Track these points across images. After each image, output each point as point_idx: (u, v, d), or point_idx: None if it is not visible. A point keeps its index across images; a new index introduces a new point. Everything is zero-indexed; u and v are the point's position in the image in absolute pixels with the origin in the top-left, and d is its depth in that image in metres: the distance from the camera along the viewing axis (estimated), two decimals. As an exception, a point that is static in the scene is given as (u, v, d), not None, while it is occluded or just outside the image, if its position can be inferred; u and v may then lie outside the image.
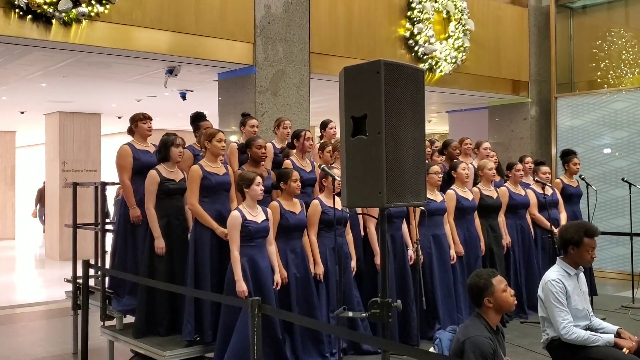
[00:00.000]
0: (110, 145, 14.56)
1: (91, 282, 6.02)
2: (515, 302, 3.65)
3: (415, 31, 8.92)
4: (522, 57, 10.74)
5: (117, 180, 5.62)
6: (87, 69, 8.45)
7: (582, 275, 4.30)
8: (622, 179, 8.26)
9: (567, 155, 7.65)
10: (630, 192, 8.10)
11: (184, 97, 10.15)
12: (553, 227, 6.67)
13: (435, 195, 6.17)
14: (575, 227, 4.22)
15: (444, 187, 6.40)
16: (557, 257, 4.27)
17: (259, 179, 4.98)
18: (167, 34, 6.90)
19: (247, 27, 7.40)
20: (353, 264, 5.61)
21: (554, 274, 4.15)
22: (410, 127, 3.07)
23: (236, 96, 7.71)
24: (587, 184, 7.59)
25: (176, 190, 5.23)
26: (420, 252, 5.75)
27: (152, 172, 5.16)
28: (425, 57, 9.08)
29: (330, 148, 6.01)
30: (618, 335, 4.09)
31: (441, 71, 9.31)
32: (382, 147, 2.91)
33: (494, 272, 3.68)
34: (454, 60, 9.40)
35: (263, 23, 7.50)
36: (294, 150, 6.05)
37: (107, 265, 5.94)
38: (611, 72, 10.25)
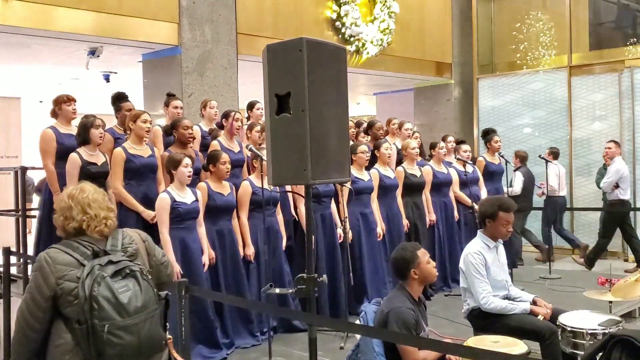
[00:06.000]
0: (31, 130, 14.00)
1: (13, 270, 5.84)
2: (437, 273, 3.81)
3: (342, 13, 8.98)
4: (445, 40, 10.98)
5: (39, 165, 5.46)
6: (4, 51, 8.10)
7: (501, 247, 4.49)
8: (539, 156, 8.63)
9: (488, 134, 7.93)
10: (546, 169, 8.47)
11: (107, 79, 9.89)
12: (474, 203, 6.92)
13: (362, 175, 6.30)
14: (491, 202, 4.41)
15: (367, 167, 6.54)
16: (478, 230, 4.45)
17: (186, 161, 4.95)
18: (88, 13, 6.69)
19: (172, 7, 7.27)
20: (284, 243, 5.67)
21: (475, 247, 4.33)
22: (333, 105, 3.12)
23: (161, 77, 7.58)
24: (507, 161, 7.90)
25: (98, 174, 5.12)
26: (349, 230, 5.89)
27: (73, 155, 5.03)
28: (352, 39, 9.16)
29: (258, 128, 6.02)
30: (534, 303, 4.31)
31: (367, 53, 9.42)
32: (306, 125, 2.95)
33: (417, 245, 3.82)
34: (379, 43, 9.52)
35: (188, 3, 7.38)
36: (222, 131, 6.02)
37: (33, 254, 5.78)
38: (530, 53, 10.63)
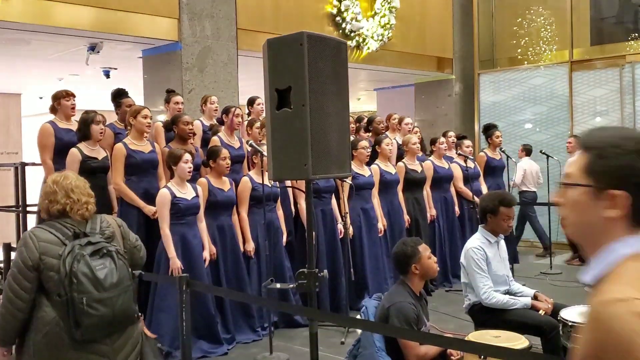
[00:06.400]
0: (32, 127, 14.00)
1: (14, 265, 5.84)
2: (438, 268, 3.81)
3: (342, 8, 8.96)
4: (446, 35, 10.96)
5: (39, 161, 5.45)
6: (4, 47, 8.08)
7: (502, 242, 4.49)
8: (540, 151, 8.62)
9: (489, 129, 7.92)
10: (547, 164, 8.46)
11: (107, 75, 9.87)
12: (476, 198, 6.91)
13: (363, 170, 6.30)
14: (492, 197, 4.40)
15: (368, 162, 6.53)
16: (479, 225, 4.45)
17: (187, 156, 4.94)
18: (88, 9, 6.67)
19: (172, 3, 7.24)
20: (284, 238, 5.67)
21: (476, 242, 4.32)
22: (334, 100, 3.11)
23: (162, 73, 7.56)
24: (508, 157, 7.89)
25: (98, 169, 5.12)
26: (350, 225, 5.89)
27: (73, 150, 5.03)
28: (352, 34, 9.14)
29: (258, 124, 6.02)
30: (535, 298, 4.30)
31: (368, 48, 9.40)
32: (306, 120, 2.94)
33: (418, 240, 3.82)
34: (380, 38, 9.50)
35: (188, -2, 7.37)
36: (223, 127, 6.02)
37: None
38: (530, 48, 10.60)
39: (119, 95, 5.95)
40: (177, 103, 6.07)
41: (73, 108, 5.42)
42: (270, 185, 5.37)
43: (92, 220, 2.87)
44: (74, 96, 5.45)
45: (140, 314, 3.01)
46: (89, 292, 2.63)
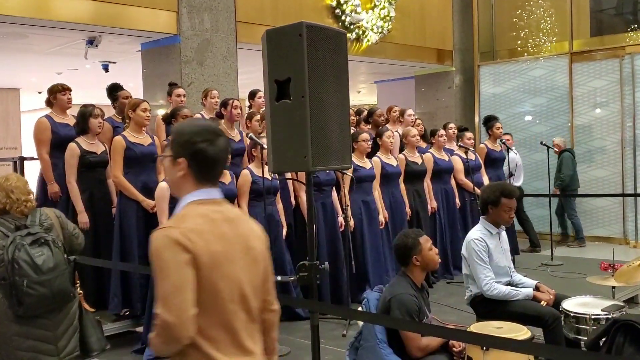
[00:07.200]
0: (31, 121, 13.97)
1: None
2: (439, 260, 3.80)
3: (342, 0, 8.92)
4: (446, 27, 10.91)
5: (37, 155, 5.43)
6: (1, 41, 8.05)
7: (503, 233, 4.47)
8: (541, 142, 8.59)
9: (490, 121, 7.90)
10: (548, 156, 8.44)
11: (106, 69, 9.83)
12: (477, 189, 6.89)
13: (364, 163, 6.28)
14: (494, 188, 4.38)
15: (370, 155, 6.51)
16: (481, 217, 4.43)
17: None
18: (86, 2, 6.63)
19: (170, -5, 7.22)
20: (284, 232, 5.66)
21: (477, 233, 4.31)
22: (334, 91, 3.09)
23: (161, 67, 7.52)
24: (508, 148, 7.87)
25: (98, 163, 5.10)
26: (351, 217, 5.87)
27: (72, 144, 5.01)
28: (352, 27, 9.10)
29: (258, 117, 5.99)
30: (537, 289, 4.30)
31: (368, 41, 9.36)
32: (306, 111, 2.92)
33: (419, 231, 3.80)
34: (380, 30, 9.46)
35: (187, -9, 7.33)
36: (222, 120, 6.00)
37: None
38: (530, 40, 10.56)
39: (114, 89, 5.95)
40: (179, 96, 6.07)
41: (69, 102, 5.40)
42: (270, 179, 5.35)
43: (31, 214, 3.32)
44: (70, 90, 5.43)
45: (80, 291, 3.50)
46: (29, 276, 3.09)
